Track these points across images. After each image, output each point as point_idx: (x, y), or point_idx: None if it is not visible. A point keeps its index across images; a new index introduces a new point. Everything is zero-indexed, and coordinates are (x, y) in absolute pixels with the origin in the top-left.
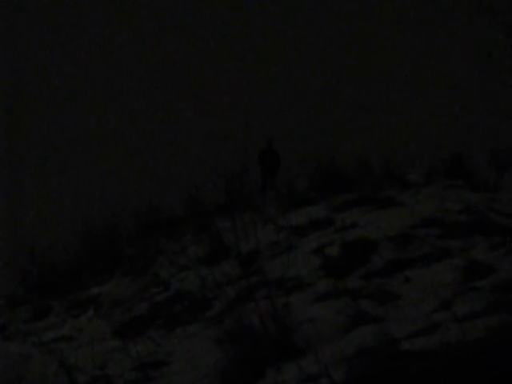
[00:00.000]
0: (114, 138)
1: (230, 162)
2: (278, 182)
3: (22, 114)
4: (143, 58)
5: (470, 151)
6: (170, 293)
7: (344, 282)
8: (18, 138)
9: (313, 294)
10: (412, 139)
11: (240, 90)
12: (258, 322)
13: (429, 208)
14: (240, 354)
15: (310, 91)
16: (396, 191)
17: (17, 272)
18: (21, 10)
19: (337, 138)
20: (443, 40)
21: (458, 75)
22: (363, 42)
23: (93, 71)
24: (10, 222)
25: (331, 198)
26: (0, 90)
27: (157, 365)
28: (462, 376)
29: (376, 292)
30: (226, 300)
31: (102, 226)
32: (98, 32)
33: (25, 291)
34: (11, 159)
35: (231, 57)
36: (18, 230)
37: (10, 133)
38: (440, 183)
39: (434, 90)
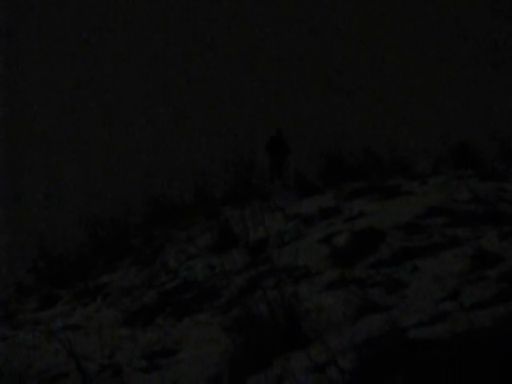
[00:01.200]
0: (122, 127)
1: (238, 151)
2: (286, 172)
3: (26, 104)
4: (149, 51)
5: (478, 141)
6: (179, 281)
7: (352, 270)
8: (22, 129)
9: (321, 282)
10: (420, 129)
11: (248, 80)
12: (266, 310)
13: (437, 197)
14: (248, 343)
15: (318, 81)
16: (404, 180)
17: (25, 261)
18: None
19: (345, 128)
20: (451, 30)
21: (467, 65)
22: (370, 33)
23: (98, 65)
24: (18, 213)
25: (339, 187)
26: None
27: (165, 353)
28: (470, 364)
29: (384, 281)
30: (234, 289)
31: (110, 215)
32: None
33: (33, 280)
34: (17, 151)
35: (238, 48)
36: (26, 220)
37: (14, 123)
38: (448, 173)
39: (442, 80)
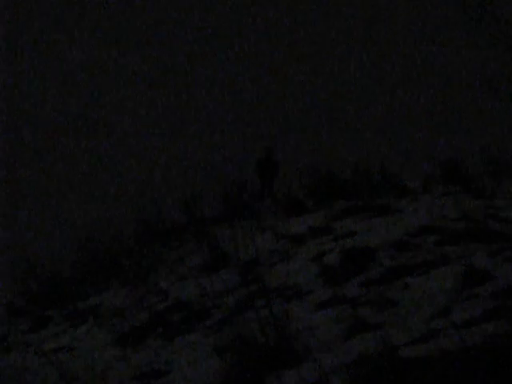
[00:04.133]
0: (111, 146)
1: (228, 171)
2: (277, 191)
3: (19, 122)
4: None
5: (466, 158)
6: (170, 302)
7: (343, 289)
8: (15, 146)
9: (312, 301)
10: (410, 146)
11: (238, 99)
12: (258, 330)
13: (427, 215)
14: (240, 363)
15: (307, 100)
16: (394, 199)
17: (16, 282)
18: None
19: (334, 146)
20: (440, 47)
21: (456, 82)
22: (359, 49)
23: (83, 80)
24: (8, 232)
25: (329, 206)
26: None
27: (157, 374)
28: (462, 382)
29: (375, 299)
30: (225, 309)
31: (100, 235)
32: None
33: (24, 302)
34: (9, 168)
35: (229, 64)
36: (17, 240)
37: (9, 140)
38: (437, 190)
39: (431, 98)
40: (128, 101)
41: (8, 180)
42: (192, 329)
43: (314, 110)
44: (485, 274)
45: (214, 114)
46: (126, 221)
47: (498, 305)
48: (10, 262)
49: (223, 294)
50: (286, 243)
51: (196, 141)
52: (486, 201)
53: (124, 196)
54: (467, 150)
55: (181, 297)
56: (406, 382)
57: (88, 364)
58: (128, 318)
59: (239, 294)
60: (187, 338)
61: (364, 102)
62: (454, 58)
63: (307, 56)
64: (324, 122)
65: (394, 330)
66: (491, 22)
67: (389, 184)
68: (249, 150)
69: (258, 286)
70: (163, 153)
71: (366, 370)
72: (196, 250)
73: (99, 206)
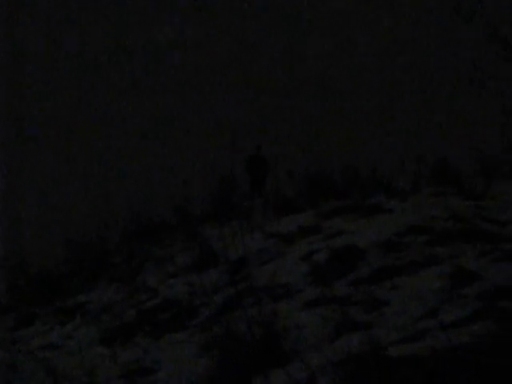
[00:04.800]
0: (101, 145)
1: (218, 169)
2: (266, 190)
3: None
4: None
5: (456, 158)
6: (158, 300)
7: (331, 288)
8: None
9: (300, 300)
10: (399, 146)
11: (228, 97)
12: (246, 328)
13: (416, 215)
14: (227, 361)
15: (298, 98)
16: (383, 198)
17: (3, 280)
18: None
19: (324, 146)
20: (430, 46)
21: (446, 81)
22: (352, 51)
23: (75, 77)
24: None
25: (319, 205)
26: None
27: (144, 372)
28: (449, 382)
29: (363, 299)
30: (213, 307)
31: (89, 233)
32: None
33: (11, 299)
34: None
35: (219, 63)
36: (4, 237)
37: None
38: (427, 190)
39: (421, 97)
40: (119, 100)
41: None
42: (180, 327)
43: (305, 110)
44: (473, 274)
45: (204, 112)
46: (116, 219)
47: (485, 305)
48: None
49: (212, 293)
50: (275, 242)
51: (185, 140)
52: (476, 201)
53: (114, 194)
54: (457, 150)
55: (169, 295)
56: (393, 381)
57: (75, 361)
58: (116, 316)
59: (228, 293)
60: (175, 336)
61: (354, 101)
62: (444, 55)
63: (299, 57)
64: (314, 122)
65: (382, 330)
66: (482, 19)
67: (378, 184)
68: (239, 149)
69: (246, 284)
70: (153, 152)
71: (354, 369)
72: (185, 248)
73: (89, 204)
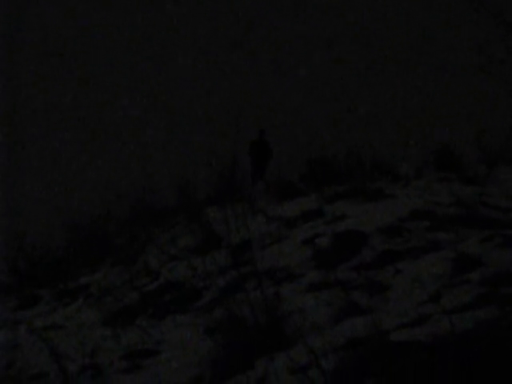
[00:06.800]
0: (104, 128)
1: (221, 153)
2: (269, 173)
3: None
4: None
5: (460, 144)
6: (160, 282)
7: (334, 273)
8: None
9: (303, 284)
10: (402, 131)
11: (231, 82)
12: (249, 312)
13: (419, 200)
14: (230, 344)
15: (300, 83)
16: (386, 183)
17: (6, 261)
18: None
19: (327, 130)
20: (435, 34)
21: (450, 68)
22: (354, 36)
23: (84, 65)
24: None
25: (322, 189)
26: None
27: (147, 354)
28: (451, 367)
29: (366, 283)
30: (216, 290)
31: (91, 215)
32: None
33: (14, 280)
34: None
35: (222, 49)
36: (6, 218)
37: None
38: (430, 176)
39: (425, 83)
40: (126, 88)
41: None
42: (182, 309)
43: (308, 94)
44: (476, 260)
45: (207, 100)
46: (119, 201)
47: (488, 291)
48: (1, 241)
49: (214, 276)
50: (277, 226)
51: (189, 125)
52: (479, 187)
53: (117, 177)
54: (460, 136)
55: (172, 277)
56: (396, 365)
57: (78, 342)
58: (118, 298)
59: (230, 276)
60: (177, 319)
61: (356, 86)
62: (447, 42)
63: (301, 47)
64: (318, 107)
65: (385, 314)
66: (490, 3)
67: (381, 169)
68: (241, 134)
69: (249, 268)
70: (157, 136)
71: (357, 354)
72: (188, 231)
73: (92, 187)
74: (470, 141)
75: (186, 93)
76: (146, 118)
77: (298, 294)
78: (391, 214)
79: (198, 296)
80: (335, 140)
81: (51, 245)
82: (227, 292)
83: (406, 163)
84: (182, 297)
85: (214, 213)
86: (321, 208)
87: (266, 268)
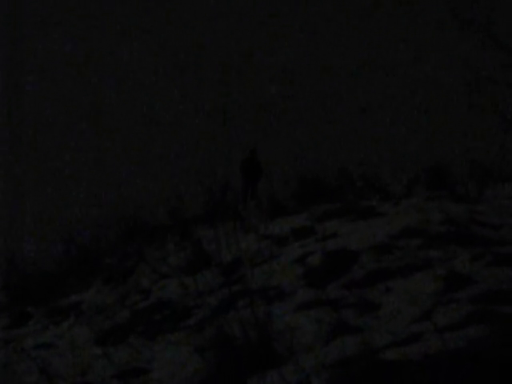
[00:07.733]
0: (96, 147)
1: (212, 172)
2: (260, 192)
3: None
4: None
5: (451, 162)
6: (151, 301)
7: (325, 291)
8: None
9: (294, 303)
10: (393, 150)
11: (222, 99)
12: (240, 330)
13: (410, 218)
14: (221, 363)
15: (292, 102)
16: (377, 202)
17: None
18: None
19: (319, 150)
20: (428, 53)
21: (441, 88)
22: (346, 55)
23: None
24: None
25: (313, 207)
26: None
27: (138, 372)
28: None
29: (357, 302)
30: (207, 309)
31: (83, 233)
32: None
33: (5, 298)
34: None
35: (213, 66)
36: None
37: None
38: (421, 194)
39: (415, 101)
40: (116, 102)
41: None
42: (174, 328)
43: (300, 113)
44: (467, 278)
45: (198, 115)
46: (110, 220)
47: (479, 309)
48: None
49: (205, 294)
50: (268, 244)
51: (180, 143)
52: (470, 205)
53: (108, 196)
54: (451, 154)
55: (163, 296)
56: None
57: (69, 361)
58: (110, 316)
59: (221, 295)
60: (169, 337)
61: (349, 106)
62: (440, 62)
63: (292, 60)
64: (309, 126)
65: (376, 333)
66: (481, 24)
67: (373, 187)
68: (233, 152)
69: (240, 286)
70: (147, 154)
71: (348, 372)
72: (179, 249)
73: (84, 205)
74: (460, 158)
75: (177, 112)
76: (137, 135)
77: (289, 312)
78: (382, 231)
79: (189, 314)
80: (326, 158)
81: (43, 263)
82: (218, 310)
83: (396, 182)
84: (173, 315)
85: (205, 231)
86: (312, 226)
87: (257, 286)
